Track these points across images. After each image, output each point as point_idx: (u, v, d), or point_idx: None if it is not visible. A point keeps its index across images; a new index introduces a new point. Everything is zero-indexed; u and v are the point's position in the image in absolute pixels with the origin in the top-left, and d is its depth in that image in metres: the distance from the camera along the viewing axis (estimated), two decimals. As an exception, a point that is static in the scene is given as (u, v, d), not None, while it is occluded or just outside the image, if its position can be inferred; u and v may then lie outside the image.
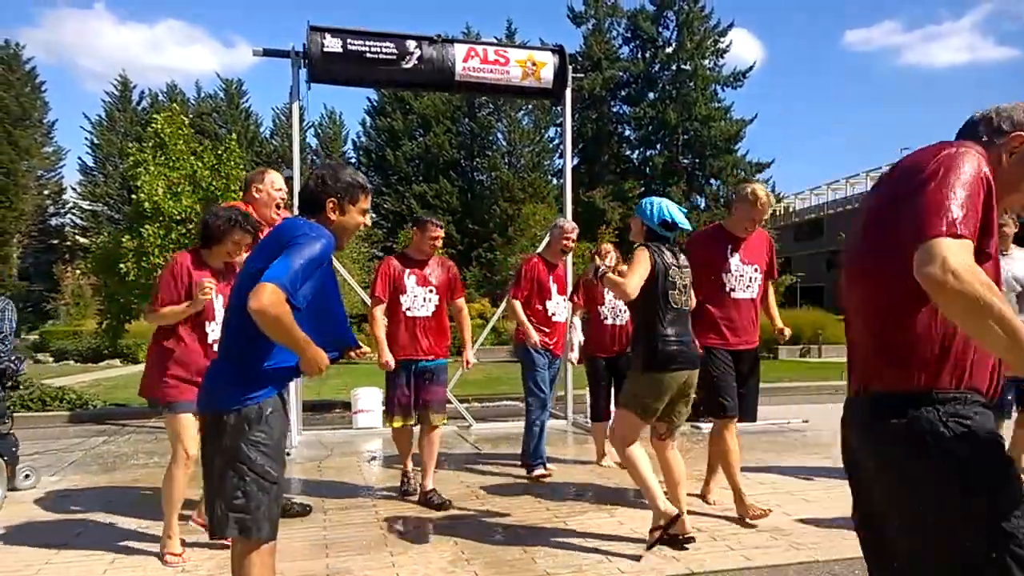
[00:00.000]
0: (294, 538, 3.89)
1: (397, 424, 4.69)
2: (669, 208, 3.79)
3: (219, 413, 2.30)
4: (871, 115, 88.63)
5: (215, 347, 3.26)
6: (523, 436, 5.42)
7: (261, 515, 2.27)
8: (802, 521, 4.16)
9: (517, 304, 5.28)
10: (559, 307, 5.40)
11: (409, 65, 6.67)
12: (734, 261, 4.25)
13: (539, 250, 5.95)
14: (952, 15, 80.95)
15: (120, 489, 5.06)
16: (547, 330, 5.30)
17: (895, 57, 79.86)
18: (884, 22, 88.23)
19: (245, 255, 3.49)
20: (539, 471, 5.25)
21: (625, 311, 5.45)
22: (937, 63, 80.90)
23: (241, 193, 4.48)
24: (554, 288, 5.35)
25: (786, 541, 3.80)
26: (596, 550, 3.69)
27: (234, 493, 2.25)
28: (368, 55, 6.58)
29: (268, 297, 2.09)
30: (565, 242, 5.45)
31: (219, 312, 3.54)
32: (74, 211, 41.99)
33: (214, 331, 3.46)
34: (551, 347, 5.34)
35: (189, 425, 3.50)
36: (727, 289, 4.25)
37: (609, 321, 5.50)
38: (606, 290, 5.54)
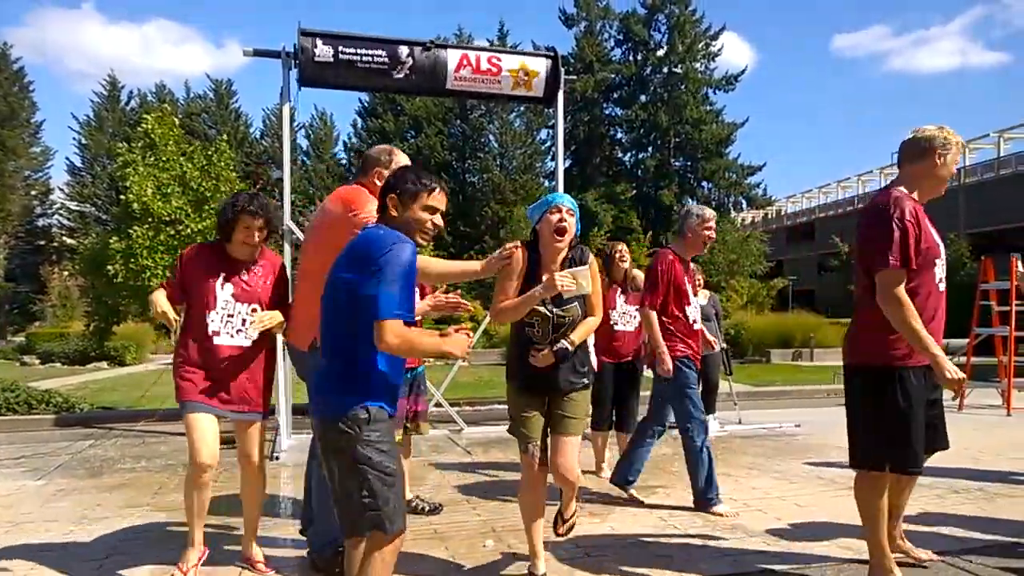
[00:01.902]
0: (284, 543, 3.85)
1: (399, 438, 4.58)
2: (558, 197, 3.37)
3: (330, 420, 2.39)
4: (862, 119, 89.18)
5: (215, 339, 3.25)
6: (689, 470, 4.52)
7: (392, 509, 2.36)
8: (794, 525, 4.14)
9: (653, 315, 4.45)
10: (698, 311, 4.71)
11: (401, 75, 6.64)
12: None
13: (670, 244, 4.87)
14: (942, 20, 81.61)
15: (107, 493, 4.99)
16: (690, 340, 4.57)
17: (885, 61, 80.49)
18: (873, 27, 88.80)
19: (261, 235, 3.36)
20: (722, 508, 4.39)
21: (635, 318, 5.33)
22: (926, 68, 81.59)
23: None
24: (689, 289, 4.62)
25: (780, 546, 3.79)
26: (587, 555, 3.67)
27: (361, 494, 2.34)
28: (359, 64, 6.54)
29: (391, 338, 2.28)
30: (708, 232, 4.58)
31: (222, 303, 3.30)
32: (61, 212, 41.77)
33: (214, 321, 3.28)
34: (696, 359, 4.61)
35: (197, 427, 3.21)
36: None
37: (619, 327, 5.35)
38: (619, 293, 5.41)
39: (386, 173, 3.40)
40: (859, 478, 3.22)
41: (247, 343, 3.33)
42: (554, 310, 3.12)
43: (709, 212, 4.61)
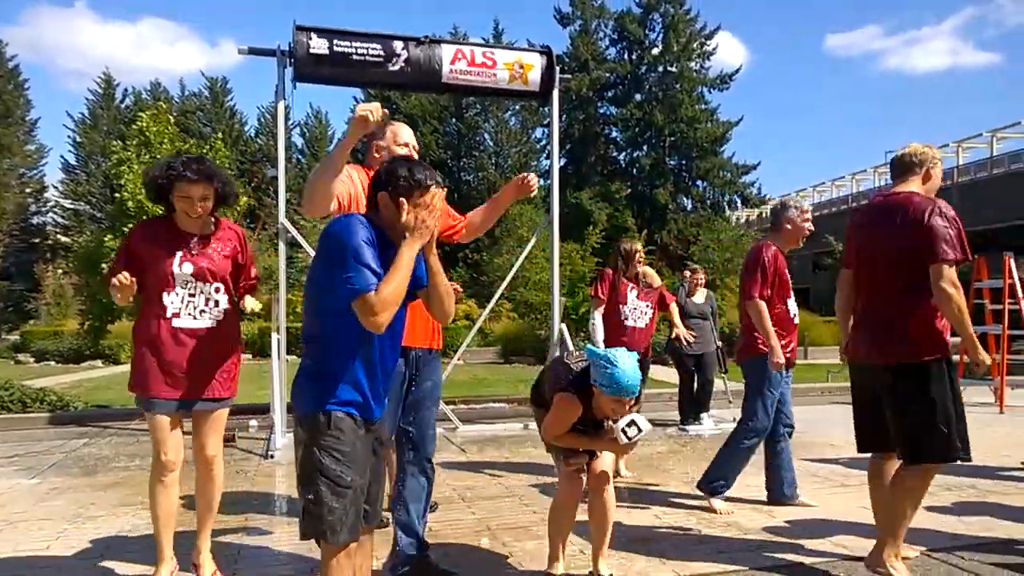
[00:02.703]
0: (280, 541, 3.85)
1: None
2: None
3: (297, 416, 2.34)
4: (856, 118, 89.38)
5: (175, 322, 3.00)
6: (719, 455, 4.48)
7: (336, 520, 2.25)
8: (788, 522, 4.16)
9: (763, 306, 4.27)
10: (795, 305, 4.57)
11: (396, 67, 6.63)
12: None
13: (767, 237, 4.68)
14: (934, 20, 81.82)
15: (101, 492, 4.99)
16: (788, 336, 4.42)
17: (877, 61, 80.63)
18: (866, 26, 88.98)
19: (206, 205, 3.04)
20: (718, 503, 4.40)
21: (646, 314, 5.37)
22: (919, 67, 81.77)
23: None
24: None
25: (773, 543, 3.80)
26: (583, 552, 3.67)
27: (307, 496, 2.27)
28: (355, 57, 6.53)
29: (379, 310, 2.14)
30: (807, 224, 4.51)
31: (181, 282, 3.02)
32: (56, 210, 41.59)
33: (173, 303, 2.99)
34: (793, 353, 4.50)
35: (160, 425, 3.01)
36: None
37: (629, 323, 5.30)
38: (630, 288, 5.38)
39: (383, 145, 3.27)
40: (921, 473, 3.18)
41: (211, 324, 3.07)
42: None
43: (806, 204, 4.57)
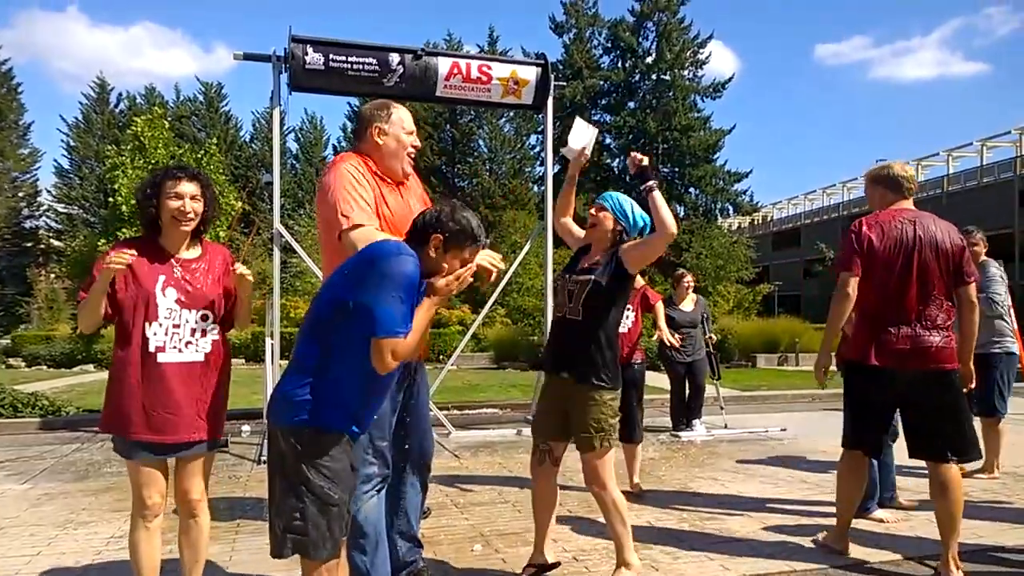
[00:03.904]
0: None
1: None
2: (643, 214, 3.44)
3: (282, 428, 2.24)
4: (845, 127, 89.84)
5: (159, 357, 2.65)
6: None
7: (320, 536, 2.21)
8: (781, 529, 4.18)
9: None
10: None
11: (391, 83, 6.66)
12: None
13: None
14: (921, 31, 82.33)
15: (92, 497, 4.97)
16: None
17: (866, 71, 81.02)
18: (854, 37, 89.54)
19: (196, 205, 2.75)
20: (881, 513, 4.36)
21: (629, 316, 5.08)
22: (907, 77, 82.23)
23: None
24: None
25: (764, 550, 3.82)
26: (575, 559, 3.69)
27: (292, 514, 2.20)
28: (350, 72, 6.56)
29: (391, 359, 2.17)
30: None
31: (165, 311, 2.68)
32: (49, 214, 41.37)
33: (157, 335, 2.65)
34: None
35: (141, 470, 2.70)
36: None
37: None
38: None
39: (385, 127, 3.06)
40: (957, 472, 3.44)
41: (199, 358, 2.72)
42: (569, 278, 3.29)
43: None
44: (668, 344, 6.26)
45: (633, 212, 3.45)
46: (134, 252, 2.62)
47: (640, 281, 5.36)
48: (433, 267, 2.34)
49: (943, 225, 3.51)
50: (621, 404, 3.39)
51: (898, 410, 3.58)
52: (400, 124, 3.11)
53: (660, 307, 5.91)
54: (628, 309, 5.05)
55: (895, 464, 4.56)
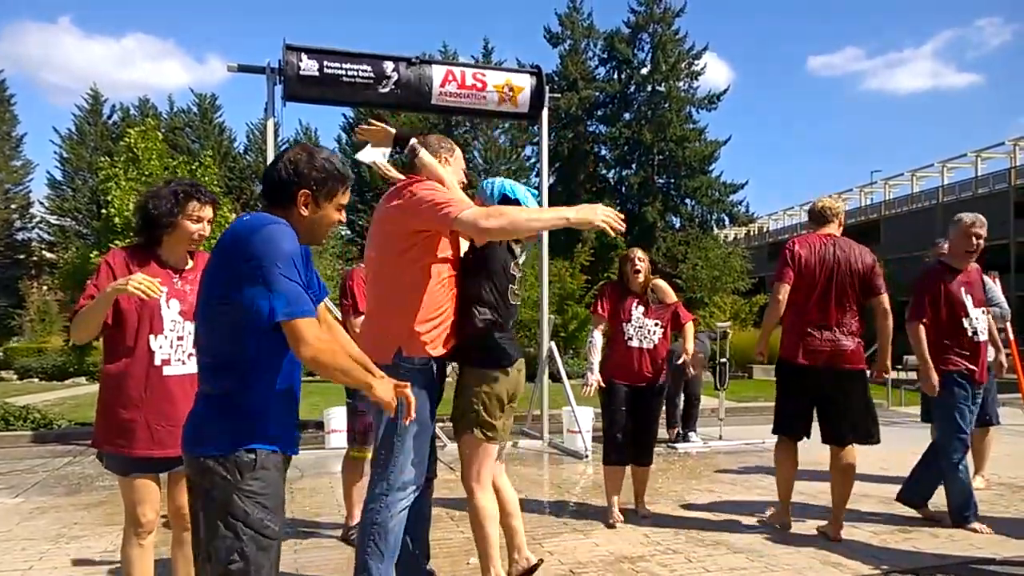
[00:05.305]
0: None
1: (353, 453, 4.42)
2: (513, 185, 3.47)
3: (203, 457, 1.93)
4: (840, 138, 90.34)
5: (165, 370, 2.63)
6: (945, 487, 4.44)
7: None
8: (777, 540, 4.16)
9: (921, 329, 4.37)
10: (980, 322, 4.47)
11: (386, 90, 6.67)
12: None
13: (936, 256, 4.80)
14: (913, 42, 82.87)
15: (84, 511, 4.93)
16: (967, 353, 4.39)
17: (859, 82, 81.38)
18: (846, 48, 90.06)
19: (205, 232, 2.77)
20: (979, 524, 4.33)
21: (655, 333, 4.64)
22: (901, 88, 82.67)
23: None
24: (969, 300, 4.43)
25: (762, 563, 3.80)
26: (572, 572, 3.66)
27: (230, 556, 1.89)
28: (345, 79, 6.56)
29: (312, 339, 1.88)
30: (971, 239, 4.45)
31: (170, 323, 2.67)
32: (41, 226, 41.26)
33: (162, 348, 2.64)
34: (975, 373, 4.40)
35: (137, 487, 2.67)
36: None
37: (635, 343, 4.59)
38: (636, 304, 4.65)
39: (452, 165, 3.40)
40: (855, 455, 4.18)
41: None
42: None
43: (969, 217, 4.48)
44: (687, 365, 5.50)
45: (495, 182, 3.52)
46: (161, 286, 2.57)
47: (672, 296, 4.82)
48: (310, 225, 2.06)
49: (857, 248, 4.22)
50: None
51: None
52: (459, 165, 3.53)
53: (690, 328, 4.97)
54: (657, 325, 4.68)
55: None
